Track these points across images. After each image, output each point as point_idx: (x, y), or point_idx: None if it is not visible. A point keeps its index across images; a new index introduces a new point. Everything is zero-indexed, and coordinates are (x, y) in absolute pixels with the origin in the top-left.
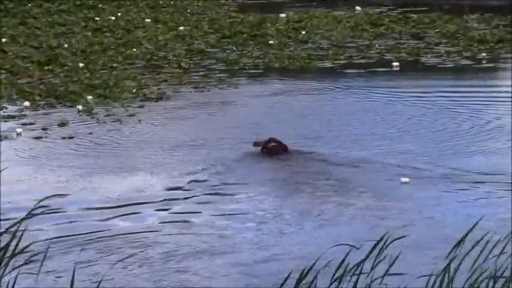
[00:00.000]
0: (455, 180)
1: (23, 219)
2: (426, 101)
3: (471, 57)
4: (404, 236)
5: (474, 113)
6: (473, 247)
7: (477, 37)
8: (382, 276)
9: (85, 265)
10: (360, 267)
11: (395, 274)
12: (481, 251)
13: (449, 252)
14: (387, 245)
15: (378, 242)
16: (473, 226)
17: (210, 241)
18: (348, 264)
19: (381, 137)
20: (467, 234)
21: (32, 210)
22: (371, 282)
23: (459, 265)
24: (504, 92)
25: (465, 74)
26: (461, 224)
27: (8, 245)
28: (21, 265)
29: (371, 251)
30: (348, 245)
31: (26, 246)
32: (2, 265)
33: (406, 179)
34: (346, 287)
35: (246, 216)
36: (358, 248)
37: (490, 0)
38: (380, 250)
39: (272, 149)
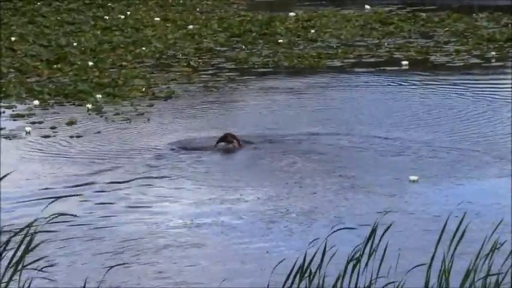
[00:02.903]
0: (466, 177)
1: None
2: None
3: (480, 55)
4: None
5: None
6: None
7: (486, 36)
8: (377, 274)
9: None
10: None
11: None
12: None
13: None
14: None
15: (371, 235)
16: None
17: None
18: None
19: (391, 133)
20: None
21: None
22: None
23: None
24: None
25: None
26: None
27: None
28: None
29: (365, 244)
30: (346, 228)
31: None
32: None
33: (415, 177)
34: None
35: (254, 215)
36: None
37: None
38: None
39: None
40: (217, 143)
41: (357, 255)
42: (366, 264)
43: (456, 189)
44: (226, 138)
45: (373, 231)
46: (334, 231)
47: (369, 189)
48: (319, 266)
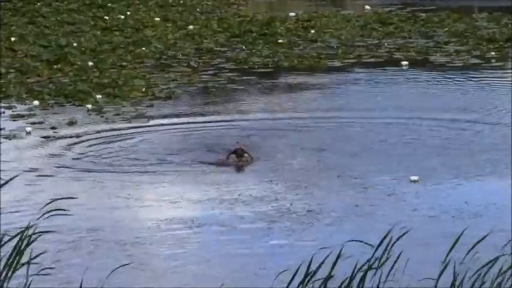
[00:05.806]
0: (464, 177)
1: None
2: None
3: (480, 56)
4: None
5: None
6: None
7: (486, 36)
8: (387, 275)
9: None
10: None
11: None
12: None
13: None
14: (392, 243)
15: (383, 239)
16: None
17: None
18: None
19: (393, 133)
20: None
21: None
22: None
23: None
24: None
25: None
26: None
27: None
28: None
29: (377, 248)
30: (360, 241)
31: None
32: None
33: (416, 177)
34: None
35: (255, 214)
36: (372, 246)
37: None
38: (386, 248)
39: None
40: (228, 156)
41: (369, 263)
42: (375, 272)
43: (456, 190)
44: (237, 152)
45: (384, 242)
46: (346, 242)
47: (370, 189)
48: (328, 277)
